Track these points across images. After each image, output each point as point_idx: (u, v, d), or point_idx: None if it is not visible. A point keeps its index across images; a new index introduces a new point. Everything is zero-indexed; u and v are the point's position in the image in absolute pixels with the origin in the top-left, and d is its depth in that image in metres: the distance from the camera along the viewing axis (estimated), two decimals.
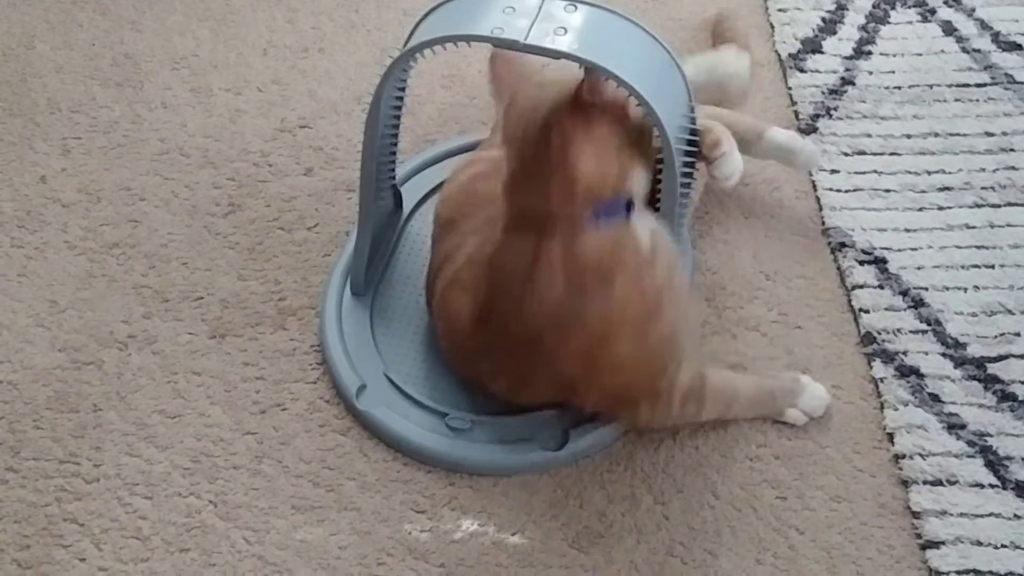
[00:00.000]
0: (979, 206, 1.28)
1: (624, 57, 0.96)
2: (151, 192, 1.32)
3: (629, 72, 0.94)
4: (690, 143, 1.00)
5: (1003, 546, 1.01)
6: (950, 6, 1.51)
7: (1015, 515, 1.03)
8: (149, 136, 1.38)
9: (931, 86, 1.41)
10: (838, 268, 1.24)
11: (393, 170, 1.17)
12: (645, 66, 0.97)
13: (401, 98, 1.10)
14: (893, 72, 1.43)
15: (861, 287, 1.21)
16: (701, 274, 1.24)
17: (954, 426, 1.09)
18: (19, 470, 1.08)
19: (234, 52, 1.48)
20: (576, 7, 0.97)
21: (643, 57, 0.98)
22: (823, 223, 1.28)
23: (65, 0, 1.54)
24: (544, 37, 0.95)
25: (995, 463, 1.07)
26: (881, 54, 1.45)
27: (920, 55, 1.45)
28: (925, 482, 1.06)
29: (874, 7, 1.51)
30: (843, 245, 1.25)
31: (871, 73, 1.43)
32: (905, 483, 1.06)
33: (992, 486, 1.05)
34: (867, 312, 1.18)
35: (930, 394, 1.12)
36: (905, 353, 1.15)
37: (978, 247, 1.24)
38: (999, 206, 1.28)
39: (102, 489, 1.07)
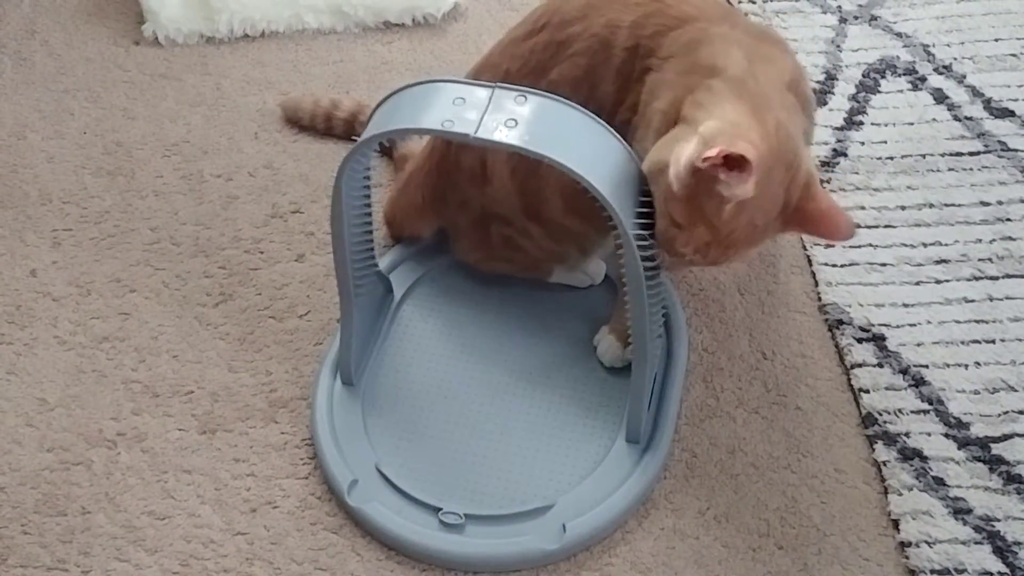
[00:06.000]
0: (977, 279, 1.26)
1: (575, 148, 0.95)
2: (142, 283, 1.31)
3: (581, 163, 0.93)
4: (645, 227, 0.99)
5: None
6: (940, 73, 1.51)
7: None
8: (140, 226, 1.37)
9: (924, 155, 1.40)
10: (836, 346, 1.22)
11: (372, 257, 1.16)
12: (596, 156, 0.96)
13: (368, 186, 1.09)
14: (885, 142, 1.42)
15: (860, 366, 1.19)
16: (697, 354, 1.22)
17: (960, 511, 1.07)
18: None
19: (225, 137, 1.48)
20: (526, 98, 0.96)
21: (594, 147, 0.97)
22: (819, 299, 1.27)
23: (56, 89, 1.55)
24: (495, 129, 0.94)
25: (1003, 549, 1.04)
26: (872, 124, 1.45)
27: (912, 124, 1.44)
28: (933, 571, 1.03)
29: (864, 76, 1.51)
30: (840, 322, 1.23)
31: (863, 144, 1.42)
32: (913, 572, 1.04)
33: (1001, 574, 1.03)
34: (867, 392, 1.17)
35: (934, 477, 1.09)
36: (907, 435, 1.13)
37: (977, 321, 1.22)
38: (997, 278, 1.26)
39: None
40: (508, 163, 1.15)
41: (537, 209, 1.16)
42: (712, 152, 0.91)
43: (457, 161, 1.19)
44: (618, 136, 0.98)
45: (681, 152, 0.95)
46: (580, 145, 0.95)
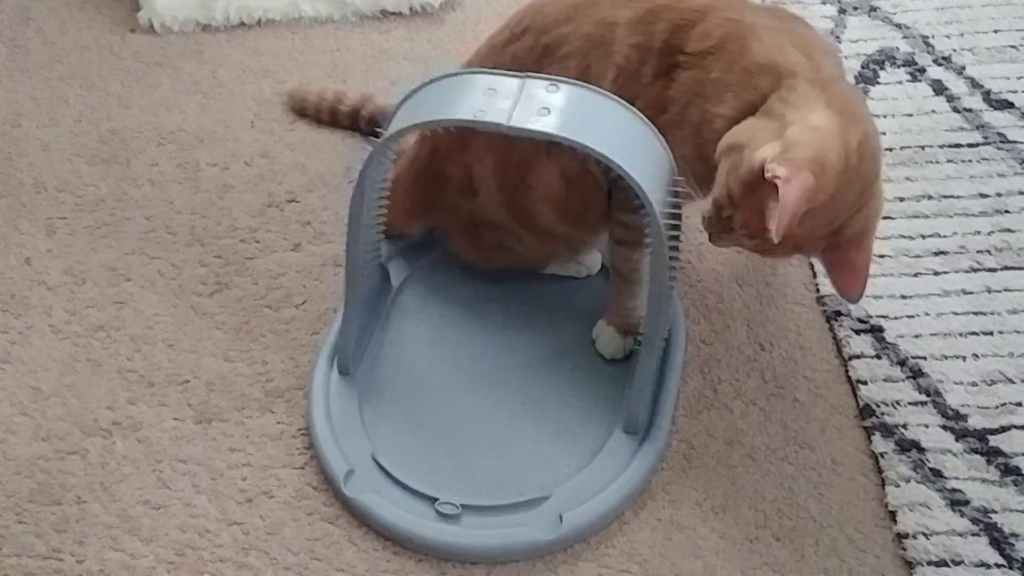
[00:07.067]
0: (975, 270, 1.26)
1: (607, 135, 0.95)
2: (137, 272, 1.30)
3: (614, 150, 0.94)
4: (673, 215, 0.99)
5: None
6: (940, 65, 1.50)
7: None
8: (135, 214, 1.37)
9: (923, 147, 1.40)
10: (834, 337, 1.22)
11: (379, 250, 1.16)
12: (628, 143, 0.97)
13: (385, 179, 1.09)
14: (884, 133, 1.40)
15: (858, 357, 1.19)
16: (694, 345, 1.22)
17: (957, 503, 1.07)
18: (2, 568, 1.06)
19: (221, 126, 1.47)
20: (558, 87, 0.96)
21: (625, 134, 0.97)
22: (817, 290, 1.26)
23: (51, 76, 1.54)
24: (527, 118, 0.94)
25: (1000, 541, 1.04)
26: (871, 115, 1.44)
27: (911, 115, 1.44)
28: (930, 563, 1.03)
29: (863, 67, 1.51)
30: (839, 313, 1.23)
31: None
32: (910, 564, 1.04)
33: (998, 565, 1.03)
34: (865, 384, 1.16)
35: (932, 469, 1.09)
36: (905, 426, 1.12)
37: (975, 313, 1.22)
38: (995, 270, 1.26)
39: None
40: (495, 177, 1.14)
41: (526, 219, 1.16)
42: (781, 172, 0.90)
43: (443, 171, 1.18)
44: (651, 124, 0.98)
45: (761, 152, 0.94)
46: (613, 133, 0.95)
